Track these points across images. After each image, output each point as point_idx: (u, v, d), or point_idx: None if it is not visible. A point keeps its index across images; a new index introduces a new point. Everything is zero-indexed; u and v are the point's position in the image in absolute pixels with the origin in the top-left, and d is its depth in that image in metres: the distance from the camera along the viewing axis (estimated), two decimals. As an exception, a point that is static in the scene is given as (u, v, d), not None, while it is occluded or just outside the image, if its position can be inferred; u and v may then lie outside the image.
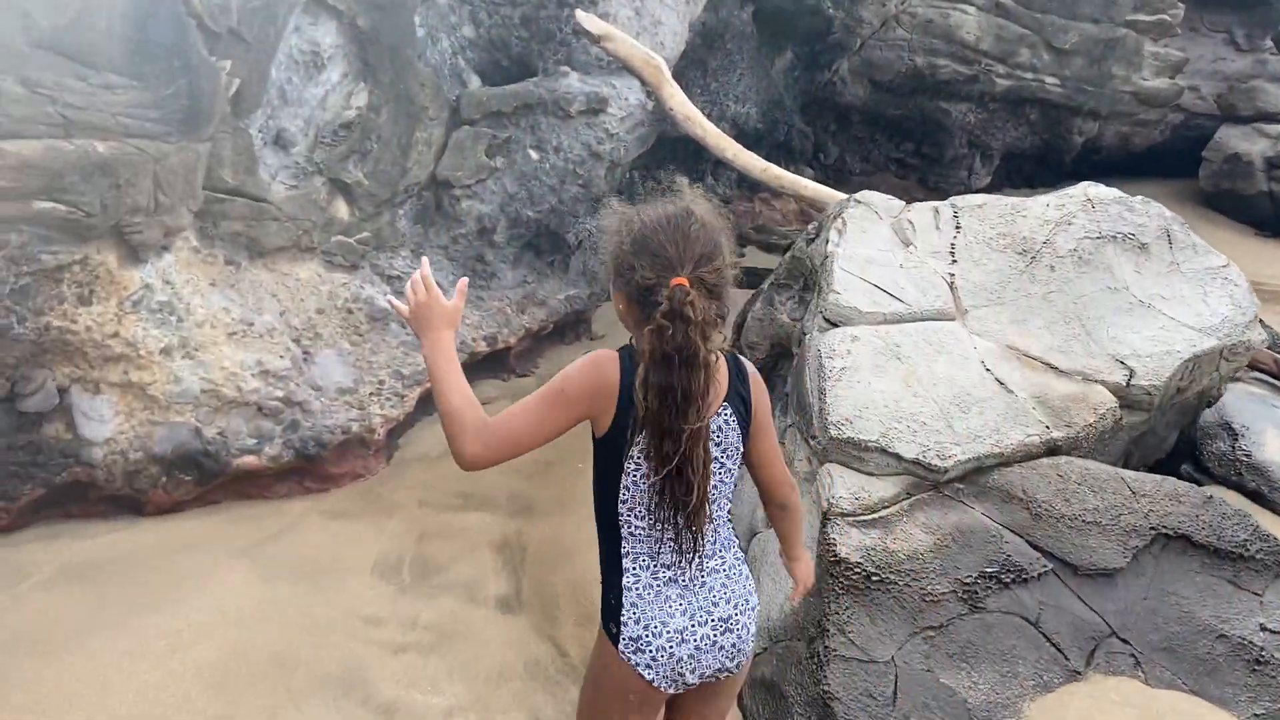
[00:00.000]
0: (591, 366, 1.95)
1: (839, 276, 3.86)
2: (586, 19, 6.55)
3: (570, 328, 7.14)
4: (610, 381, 1.91)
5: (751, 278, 9.01)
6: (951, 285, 3.97)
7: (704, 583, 2.02)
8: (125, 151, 3.89)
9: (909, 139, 12.10)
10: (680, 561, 1.99)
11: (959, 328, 3.80)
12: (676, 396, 1.78)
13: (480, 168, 6.19)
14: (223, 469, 4.40)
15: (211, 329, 4.51)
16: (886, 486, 3.26)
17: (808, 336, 3.77)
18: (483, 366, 6.28)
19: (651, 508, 1.95)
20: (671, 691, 2.02)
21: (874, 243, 4.11)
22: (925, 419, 3.37)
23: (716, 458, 1.96)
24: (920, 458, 3.25)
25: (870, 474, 3.28)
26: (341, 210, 5.64)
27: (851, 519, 3.16)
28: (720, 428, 2.00)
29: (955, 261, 4.07)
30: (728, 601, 2.03)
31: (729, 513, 2.12)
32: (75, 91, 3.64)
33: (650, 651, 1.97)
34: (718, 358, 1.91)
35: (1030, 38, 11.40)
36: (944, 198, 4.52)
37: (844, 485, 3.23)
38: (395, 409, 5.17)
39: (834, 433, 3.30)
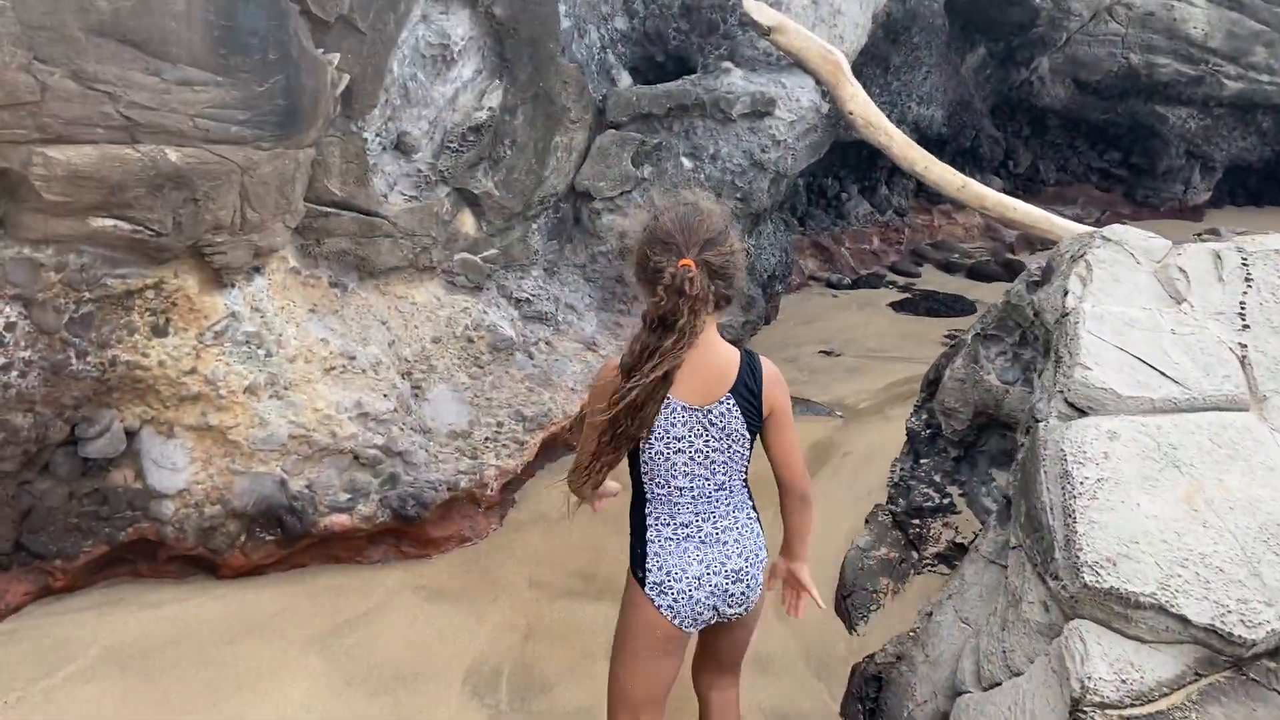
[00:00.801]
0: (600, 380, 2.23)
1: (1087, 343, 2.87)
2: (756, 8, 5.68)
3: (720, 359, 6.30)
4: (614, 381, 2.11)
5: (931, 303, 7.90)
6: (1244, 360, 2.91)
7: (719, 539, 2.29)
8: (204, 160, 3.29)
9: (1115, 147, 10.64)
10: (695, 521, 2.28)
11: (1258, 422, 2.75)
12: (650, 351, 2.03)
13: (625, 178, 5.42)
14: (309, 528, 3.78)
15: (306, 364, 3.89)
16: (1166, 662, 2.28)
17: (1042, 426, 2.79)
18: (618, 404, 5.52)
19: (672, 477, 2.23)
20: (689, 629, 2.31)
21: (1132, 297, 3.08)
22: (1220, 562, 2.37)
23: (720, 440, 2.22)
24: (1216, 623, 2.25)
25: (1142, 641, 2.30)
26: (467, 224, 4.98)
27: (1117, 712, 2.19)
28: (723, 414, 2.21)
29: (1247, 327, 3.01)
30: (739, 555, 2.30)
31: (744, 481, 2.34)
32: (143, 88, 3.05)
33: (672, 594, 2.26)
34: (697, 330, 2.08)
35: (1267, 34, 9.79)
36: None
37: (1104, 658, 2.27)
38: (513, 458, 4.46)
39: (1089, 578, 2.33)
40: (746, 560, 2.31)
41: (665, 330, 2.02)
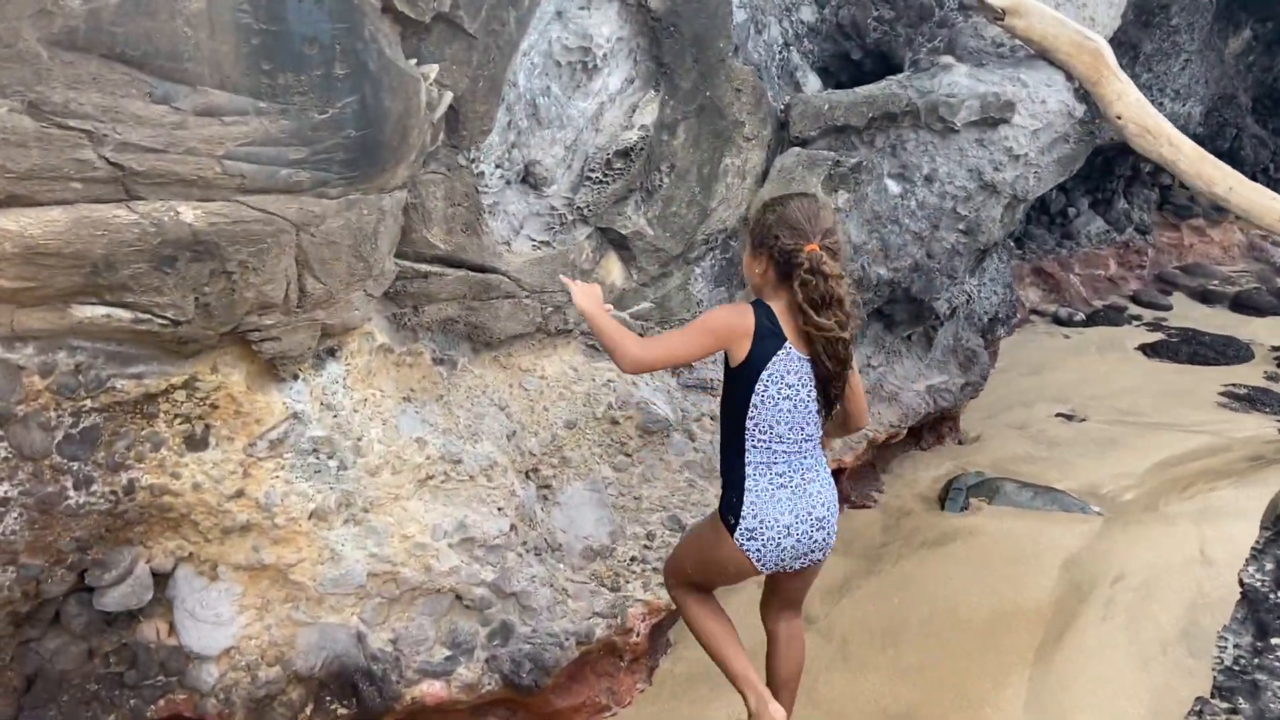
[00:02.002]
0: (732, 311, 2.44)
1: None
2: (984, -16, 4.40)
3: (930, 429, 5.02)
4: (747, 325, 2.39)
5: (1195, 346, 6.15)
6: None
7: (806, 490, 2.47)
8: (238, 217, 2.37)
9: None
10: (788, 471, 2.45)
11: None
12: (831, 329, 2.34)
13: (814, 209, 4.26)
14: (393, 700, 2.83)
15: (393, 475, 2.94)
16: None
17: None
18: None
19: (774, 424, 2.42)
20: (767, 571, 2.51)
21: None
22: None
23: (815, 389, 2.45)
24: None
25: None
26: (613, 273, 3.96)
27: None
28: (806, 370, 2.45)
29: None
30: (823, 504, 2.50)
31: (818, 435, 2.53)
32: (142, 122, 2.16)
33: (761, 540, 2.43)
34: (853, 300, 2.40)
35: None
36: None
37: None
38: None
39: None
40: (828, 509, 2.51)
41: (827, 307, 2.33)
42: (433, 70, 2.91)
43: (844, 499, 4.46)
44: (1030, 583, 3.79)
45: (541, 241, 3.66)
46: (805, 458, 2.47)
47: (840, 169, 4.23)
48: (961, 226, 4.39)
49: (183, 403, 2.57)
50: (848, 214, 4.34)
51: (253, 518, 2.70)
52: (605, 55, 3.73)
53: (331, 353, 2.89)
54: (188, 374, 2.55)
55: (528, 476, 3.45)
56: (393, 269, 2.97)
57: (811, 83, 4.81)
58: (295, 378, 2.76)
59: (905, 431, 4.62)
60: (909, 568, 3.89)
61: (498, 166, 3.45)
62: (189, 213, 2.27)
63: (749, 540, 2.43)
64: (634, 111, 3.86)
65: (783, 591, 2.69)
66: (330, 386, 2.86)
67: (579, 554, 3.40)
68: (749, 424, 2.41)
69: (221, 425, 2.65)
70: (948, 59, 4.45)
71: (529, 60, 3.47)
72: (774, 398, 2.39)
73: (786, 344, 2.38)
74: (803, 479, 2.45)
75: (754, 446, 2.42)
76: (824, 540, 2.49)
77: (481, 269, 3.32)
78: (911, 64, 4.83)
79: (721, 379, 3.30)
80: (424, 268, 3.14)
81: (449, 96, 2.99)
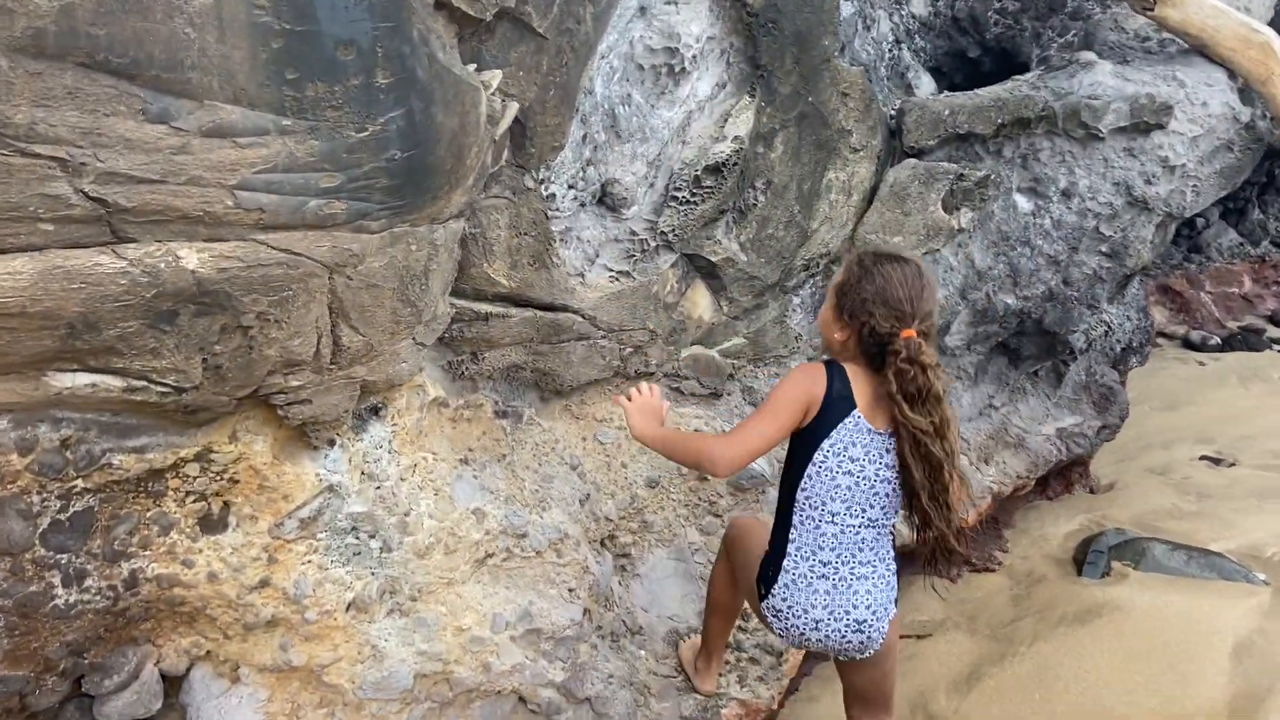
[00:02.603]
0: (806, 374, 2.20)
1: None
2: (1131, -32, 3.80)
3: (1058, 475, 4.40)
4: (818, 393, 2.16)
5: None
6: None
7: (852, 586, 2.21)
8: (254, 260, 1.94)
9: None
10: (834, 561, 2.20)
11: None
12: (926, 428, 2.06)
13: (934, 229, 3.71)
14: (443, 826, 2.37)
15: (446, 555, 2.49)
16: None
17: None
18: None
19: (827, 500, 2.17)
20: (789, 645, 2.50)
21: None
22: None
23: (890, 471, 2.18)
24: None
25: None
26: (701, 305, 3.47)
27: None
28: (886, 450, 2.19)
29: None
30: (868, 607, 2.22)
31: (893, 525, 2.27)
32: (131, 145, 1.74)
33: (784, 623, 2.26)
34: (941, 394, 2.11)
35: None
36: None
37: None
38: (766, 681, 2.87)
39: None
40: (873, 613, 2.24)
41: (923, 403, 2.07)
42: (495, 77, 2.45)
43: (964, 562, 3.89)
44: (1196, 676, 3.18)
45: (620, 272, 3.19)
46: (863, 546, 2.22)
47: (964, 184, 3.66)
48: (1105, 249, 3.79)
49: (196, 478, 2.15)
50: (971, 235, 3.78)
51: (280, 611, 2.27)
52: (694, 57, 3.25)
53: (375, 411, 2.45)
54: (201, 445, 2.13)
55: (603, 545, 2.98)
56: (447, 312, 2.52)
57: (925, 84, 4.25)
58: (331, 444, 2.33)
59: (1032, 483, 4.03)
60: (1047, 651, 3.31)
61: (570, 187, 2.99)
62: (192, 257, 1.84)
63: (773, 617, 2.28)
64: (726, 121, 3.37)
65: (846, 680, 2.47)
66: (373, 452, 2.42)
67: (662, 639, 2.91)
68: (800, 496, 2.20)
69: (243, 503, 2.23)
70: (1088, 55, 3.85)
71: (607, 64, 3.00)
72: (832, 470, 2.17)
73: (855, 413, 2.15)
74: (851, 573, 2.22)
75: (802, 523, 2.21)
76: (860, 644, 2.25)
77: (551, 307, 2.85)
78: (1040, 62, 4.24)
79: None
80: (484, 308, 2.68)
81: (514, 108, 2.53)
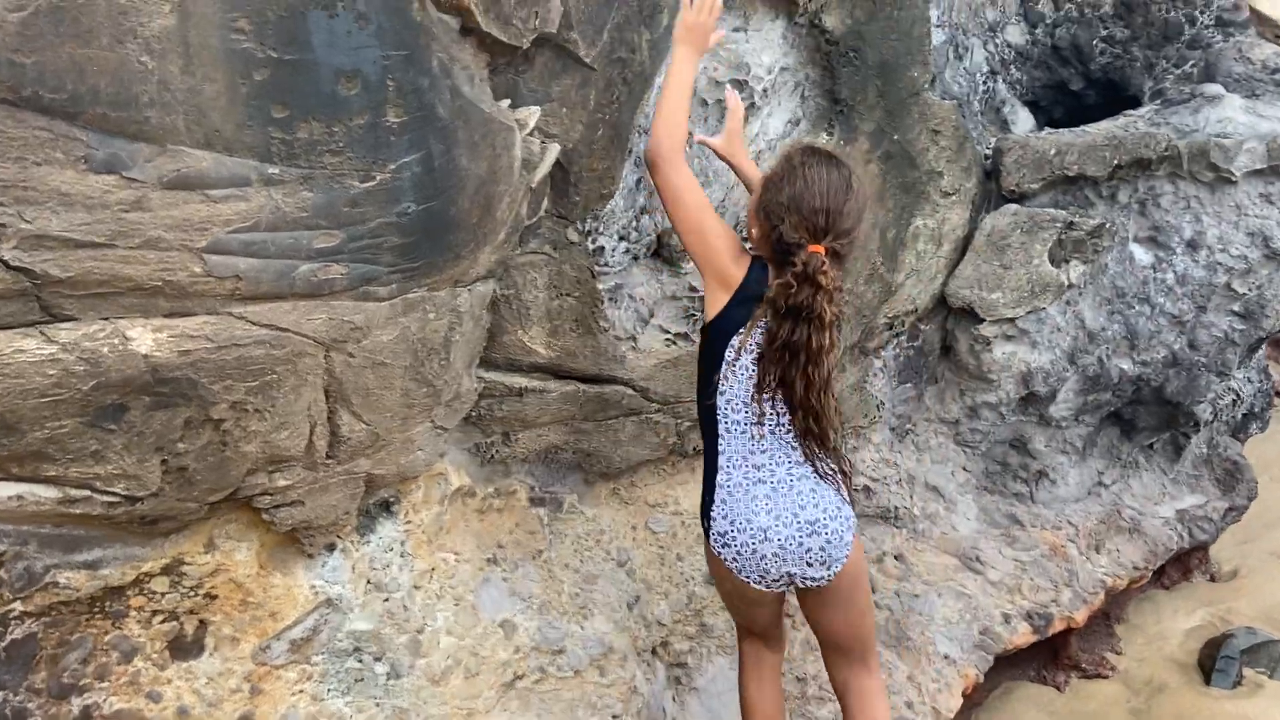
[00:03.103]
0: (735, 244, 2.05)
1: None
2: (1267, -12, 3.32)
3: (1174, 562, 3.86)
4: (736, 274, 2.00)
5: None
6: None
7: (792, 486, 2.00)
8: (229, 338, 1.58)
9: None
10: (769, 464, 1.99)
11: None
12: (801, 354, 1.89)
13: (1038, 284, 3.25)
14: None
15: (467, 679, 2.10)
16: None
17: None
18: (1018, 661, 3.28)
19: (749, 400, 1.97)
20: (763, 588, 2.03)
21: None
22: None
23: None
24: None
25: None
26: (771, 371, 3.04)
27: None
28: None
29: None
30: (815, 505, 2.00)
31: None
32: (68, 202, 1.40)
33: (735, 546, 2.00)
34: (838, 320, 1.94)
35: None
36: None
37: None
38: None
39: None
40: (824, 512, 1.99)
41: (797, 321, 1.89)
42: (533, 115, 2.08)
43: (1072, 666, 3.38)
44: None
45: (677, 334, 2.79)
46: (794, 448, 2.02)
47: (1074, 233, 3.20)
48: (1237, 308, 3.29)
49: (164, 594, 1.79)
50: (1081, 291, 3.31)
51: (264, 750, 1.89)
52: (766, 90, 2.86)
53: (386, 507, 2.07)
54: (170, 556, 1.77)
55: (654, 655, 2.56)
56: (474, 388, 2.15)
57: (1022, 120, 3.81)
58: (330, 549, 1.95)
59: (1149, 574, 3.51)
60: (1178, 784, 2.79)
61: (621, 239, 2.61)
62: (146, 337, 1.49)
63: (723, 547, 2.02)
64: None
65: (817, 629, 2.19)
66: (382, 557, 2.04)
67: (718, 771, 2.47)
68: (720, 401, 2.01)
69: (222, 622, 1.86)
70: (1214, 88, 3.38)
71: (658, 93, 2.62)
72: (747, 367, 1.98)
73: (767, 320, 1.97)
74: (789, 474, 2.00)
75: (728, 430, 2.01)
76: (821, 550, 1.99)
77: (597, 379, 2.46)
78: (1154, 95, 3.77)
79: (908, 501, 2.64)
80: (519, 382, 2.30)
81: (555, 150, 2.16)
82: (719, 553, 2.03)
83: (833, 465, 2.05)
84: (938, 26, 3.32)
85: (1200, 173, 3.21)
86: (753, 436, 2.00)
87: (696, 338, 2.85)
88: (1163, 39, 3.81)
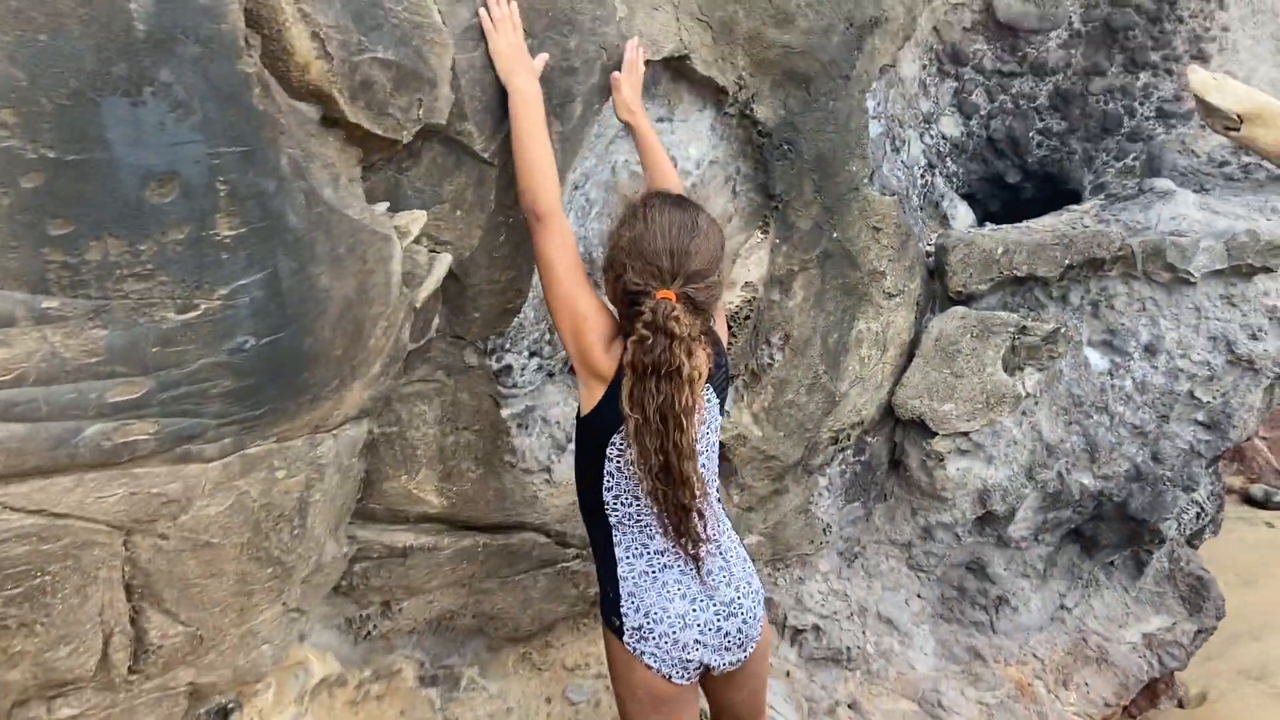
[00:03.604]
0: (609, 322, 1.84)
1: None
2: (1211, 84, 3.18)
3: (1143, 690, 3.56)
4: (608, 363, 1.80)
5: None
6: None
7: (702, 565, 1.89)
8: (-24, 535, 1.15)
9: None
10: (674, 547, 1.86)
11: None
12: (664, 414, 1.72)
13: (991, 393, 2.97)
14: None
15: None
16: None
17: None
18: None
19: (640, 494, 1.81)
20: (681, 681, 1.89)
21: None
22: None
23: (706, 436, 1.87)
24: None
25: None
26: (705, 499, 2.68)
27: None
28: (705, 411, 1.86)
29: None
30: (728, 585, 1.91)
31: (717, 490, 1.97)
32: None
33: (654, 639, 1.86)
34: (701, 374, 1.76)
35: None
36: None
37: None
38: None
39: None
40: (737, 590, 1.90)
41: (670, 383, 1.71)
42: (418, 220, 1.72)
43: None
44: None
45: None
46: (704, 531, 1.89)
47: (1028, 338, 2.95)
48: (1202, 417, 3.05)
49: None
50: (1037, 400, 3.04)
51: None
52: (695, 185, 2.56)
53: (224, 715, 1.62)
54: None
55: None
56: (343, 554, 1.73)
57: (961, 214, 3.59)
58: (143, 782, 1.49)
59: (1119, 711, 3.19)
60: None
61: (533, 354, 2.24)
62: None
63: (639, 641, 1.86)
64: (734, 263, 2.67)
65: (722, 702, 2.03)
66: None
67: None
68: (607, 496, 1.86)
69: None
70: (1164, 183, 3.19)
71: (582, 196, 2.30)
72: (631, 464, 1.80)
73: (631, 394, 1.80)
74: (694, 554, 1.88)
75: (620, 522, 1.87)
76: (739, 632, 1.89)
77: (502, 527, 2.06)
78: (1095, 189, 3.60)
79: (860, 639, 2.52)
80: (404, 539, 1.89)
81: (446, 261, 1.80)
82: (634, 649, 1.85)
83: (716, 526, 1.90)
84: (874, 118, 3.08)
85: (1156, 273, 3.00)
86: (646, 524, 1.86)
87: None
88: (1102, 131, 3.66)
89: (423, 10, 1.61)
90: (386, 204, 1.69)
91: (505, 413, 2.11)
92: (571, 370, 2.46)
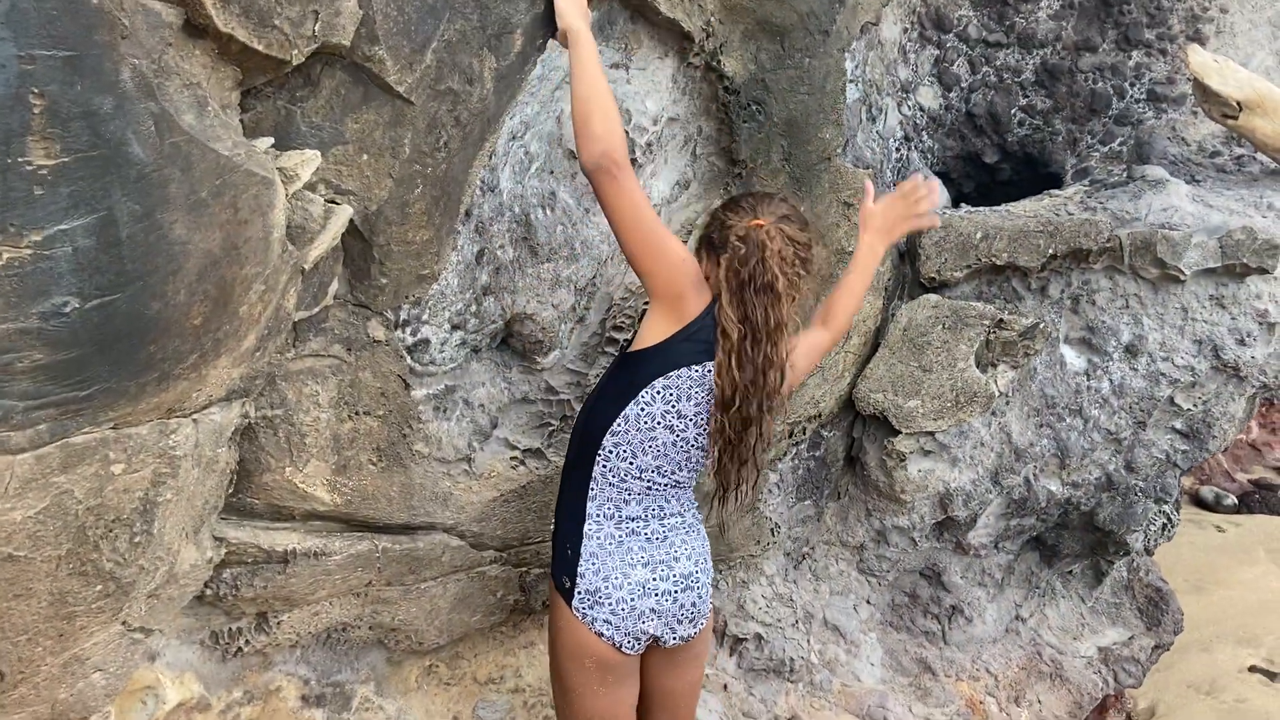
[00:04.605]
0: (700, 276, 1.81)
1: None
2: (1211, 67, 2.96)
3: (1096, 709, 3.40)
4: (694, 305, 1.78)
5: None
6: None
7: (665, 536, 1.90)
8: None
9: None
10: (643, 515, 1.86)
11: None
12: (759, 328, 1.75)
13: (961, 391, 2.74)
14: None
15: None
16: None
17: None
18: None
19: (638, 454, 1.81)
20: (629, 651, 1.85)
21: None
22: None
23: (707, 415, 1.84)
24: None
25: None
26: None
27: None
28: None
29: None
30: (689, 558, 1.92)
31: (691, 470, 1.94)
32: None
33: (609, 605, 1.82)
34: (794, 298, 1.79)
35: None
36: None
37: None
38: None
39: None
40: (696, 565, 1.93)
41: (764, 295, 1.75)
42: (309, 162, 1.41)
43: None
44: None
45: (528, 450, 2.14)
46: (671, 499, 1.91)
47: (1005, 333, 2.71)
48: (1180, 425, 2.86)
49: None
50: (1008, 399, 2.82)
51: None
52: (650, 144, 2.28)
53: (42, 756, 1.33)
54: None
55: None
56: (205, 561, 1.44)
57: (939, 195, 3.35)
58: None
59: (1076, 730, 3.02)
60: None
61: (456, 328, 1.95)
62: None
63: (592, 607, 1.80)
64: (689, 233, 2.40)
65: (660, 701, 1.97)
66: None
67: None
68: (608, 440, 1.81)
69: None
70: (1156, 171, 2.98)
71: (521, 148, 2.00)
72: (654, 418, 1.80)
73: (708, 365, 1.80)
74: (662, 525, 1.89)
75: (604, 474, 1.83)
76: (693, 606, 1.90)
77: (407, 528, 1.78)
78: (1078, 174, 3.38)
79: (804, 648, 2.41)
80: (285, 541, 1.60)
81: (345, 214, 1.49)
82: (584, 615, 1.80)
83: (686, 502, 1.94)
84: (851, 81, 2.81)
85: (1143, 268, 2.78)
86: (630, 489, 1.85)
87: (552, 455, 2.21)
88: (1089, 111, 3.43)
89: (322, -101, 1.30)
90: (271, 140, 1.38)
91: (418, 394, 1.82)
92: (504, 344, 2.18)
